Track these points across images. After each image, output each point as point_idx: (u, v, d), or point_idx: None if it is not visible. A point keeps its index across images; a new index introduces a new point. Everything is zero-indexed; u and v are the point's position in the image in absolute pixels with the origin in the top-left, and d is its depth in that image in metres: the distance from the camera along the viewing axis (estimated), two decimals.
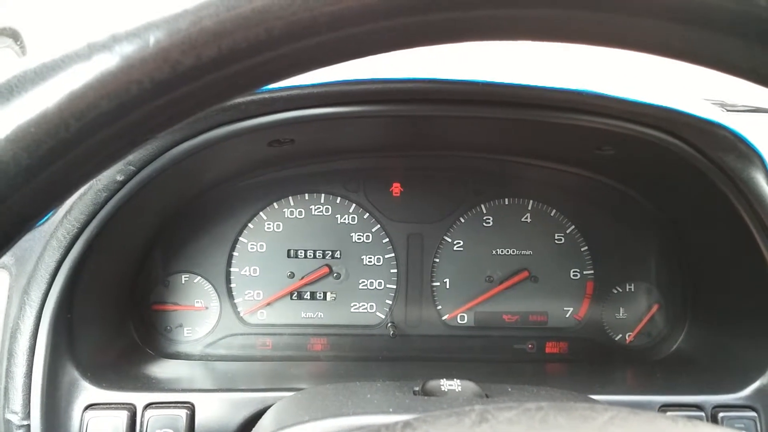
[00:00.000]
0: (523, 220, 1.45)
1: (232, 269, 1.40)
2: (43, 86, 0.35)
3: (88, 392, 1.01)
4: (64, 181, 0.39)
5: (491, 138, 1.26)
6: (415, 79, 0.87)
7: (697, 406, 1.08)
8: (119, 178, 0.94)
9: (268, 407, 0.95)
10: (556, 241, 1.45)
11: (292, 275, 1.41)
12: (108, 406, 1.01)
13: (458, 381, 0.92)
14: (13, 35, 1.41)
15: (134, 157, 0.92)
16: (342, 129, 1.11)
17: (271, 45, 0.36)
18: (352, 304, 1.42)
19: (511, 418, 0.48)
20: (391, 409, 0.79)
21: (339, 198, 1.41)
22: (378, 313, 1.43)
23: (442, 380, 0.91)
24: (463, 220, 1.44)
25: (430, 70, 0.88)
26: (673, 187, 1.26)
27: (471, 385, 0.91)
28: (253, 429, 0.87)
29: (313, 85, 0.87)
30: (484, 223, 1.44)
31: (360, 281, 1.42)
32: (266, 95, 0.87)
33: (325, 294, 1.42)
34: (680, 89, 0.98)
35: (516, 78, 0.89)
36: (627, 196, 1.41)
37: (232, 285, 1.40)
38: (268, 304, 1.41)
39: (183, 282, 1.38)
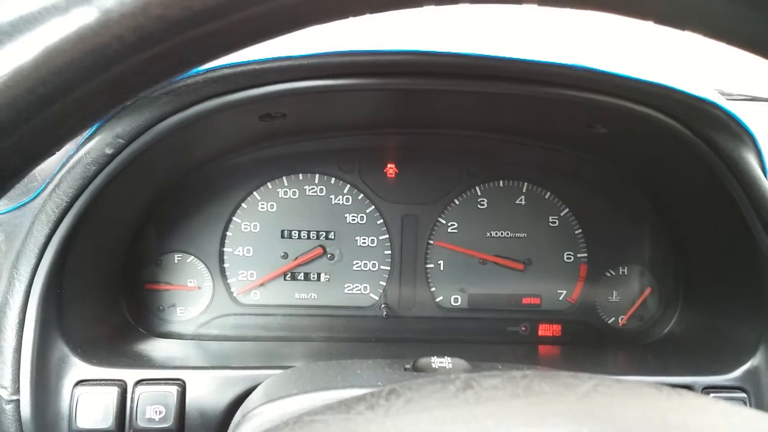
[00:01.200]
0: (517, 202, 1.44)
1: (225, 249, 1.39)
2: (20, 40, 0.34)
3: (78, 368, 1.01)
4: (42, 140, 0.38)
5: (484, 115, 1.25)
6: (406, 51, 0.86)
7: (688, 387, 1.08)
8: (108, 151, 0.93)
9: (259, 385, 0.95)
10: (551, 224, 1.45)
11: (285, 256, 1.40)
12: (98, 382, 1.01)
13: (449, 358, 0.92)
14: None
15: (123, 129, 0.91)
16: (334, 103, 1.10)
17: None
18: (345, 285, 1.42)
19: (496, 384, 0.48)
20: (380, 383, 0.79)
21: (333, 178, 1.41)
22: (372, 295, 1.43)
23: (432, 358, 0.91)
24: (457, 202, 1.43)
25: (422, 42, 0.87)
26: (665, 168, 1.25)
27: (462, 363, 0.91)
28: (243, 403, 0.87)
29: (303, 56, 0.85)
30: (479, 205, 1.44)
31: (354, 262, 1.42)
32: (257, 66, 0.86)
33: (318, 275, 1.42)
34: (674, 69, 0.97)
35: (507, 51, 0.88)
36: (620, 179, 1.41)
37: (226, 265, 1.40)
38: (262, 284, 1.41)
39: (176, 261, 1.38)
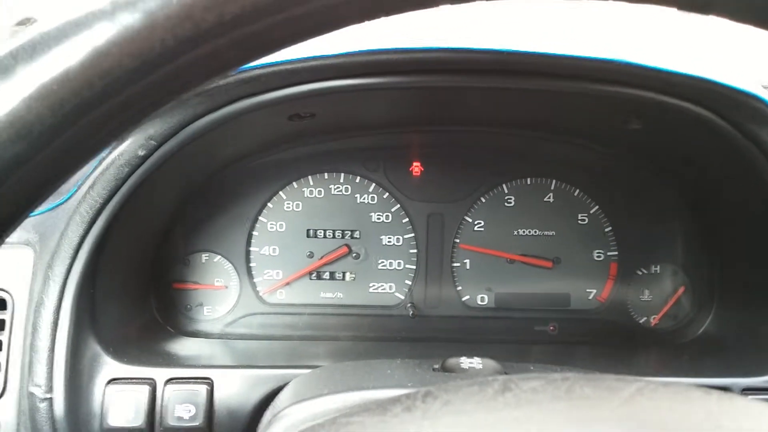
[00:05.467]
0: (545, 200, 1.42)
1: (251, 248, 1.40)
2: (66, 44, 0.34)
3: (110, 367, 1.02)
4: (88, 142, 0.38)
5: (515, 112, 1.23)
6: (439, 48, 0.84)
7: (726, 389, 1.05)
8: (141, 153, 0.94)
9: (287, 384, 0.95)
10: (580, 222, 1.42)
11: (311, 255, 1.40)
12: (130, 380, 1.02)
13: (478, 359, 0.90)
14: None
15: (155, 131, 0.92)
16: (364, 102, 1.09)
17: (297, 1, 0.35)
18: (371, 285, 1.42)
19: (536, 387, 0.47)
20: (410, 384, 0.79)
21: (359, 177, 1.40)
22: (397, 294, 1.42)
23: (462, 358, 0.90)
24: (484, 200, 1.42)
25: (454, 39, 0.86)
26: (701, 163, 1.22)
27: (492, 363, 0.90)
28: (272, 402, 0.87)
29: (334, 56, 0.85)
30: (506, 203, 1.42)
31: (379, 261, 1.41)
32: (288, 66, 0.86)
33: (344, 274, 1.42)
34: (715, 62, 0.94)
35: (543, 47, 0.86)
36: (652, 176, 1.38)
37: (252, 264, 1.40)
38: (288, 283, 1.41)
39: (203, 261, 1.39)
